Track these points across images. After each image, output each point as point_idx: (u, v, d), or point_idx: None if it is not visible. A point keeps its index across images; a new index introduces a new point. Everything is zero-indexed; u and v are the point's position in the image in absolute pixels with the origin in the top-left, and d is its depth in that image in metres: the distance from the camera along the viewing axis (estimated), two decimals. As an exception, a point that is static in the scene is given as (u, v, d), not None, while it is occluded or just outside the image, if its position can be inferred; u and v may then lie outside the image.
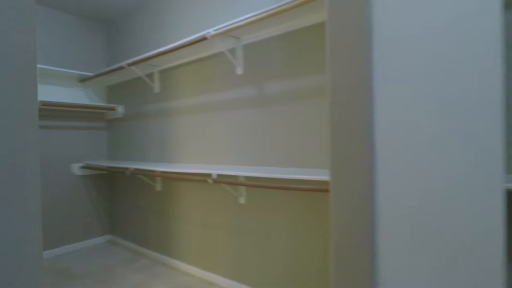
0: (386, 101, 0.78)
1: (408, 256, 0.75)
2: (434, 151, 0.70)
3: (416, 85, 0.73)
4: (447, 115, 0.69)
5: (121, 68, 2.34)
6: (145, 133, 2.60)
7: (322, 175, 1.23)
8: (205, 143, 2.10)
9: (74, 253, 2.66)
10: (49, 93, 2.62)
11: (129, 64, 2.26)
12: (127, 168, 2.30)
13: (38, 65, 2.45)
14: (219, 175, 1.76)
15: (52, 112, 2.64)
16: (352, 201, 0.85)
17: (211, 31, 1.72)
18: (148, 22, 2.55)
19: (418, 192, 0.73)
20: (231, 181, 1.67)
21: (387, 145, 0.78)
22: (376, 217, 0.80)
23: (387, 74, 0.77)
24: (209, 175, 1.78)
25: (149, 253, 2.54)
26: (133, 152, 2.73)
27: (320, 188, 1.22)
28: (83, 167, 2.77)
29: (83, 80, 2.76)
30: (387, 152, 0.78)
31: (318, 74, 1.53)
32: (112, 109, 2.82)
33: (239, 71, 1.87)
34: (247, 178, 1.78)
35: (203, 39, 1.77)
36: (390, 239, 0.77)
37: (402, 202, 0.75)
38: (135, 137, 2.70)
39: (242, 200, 1.87)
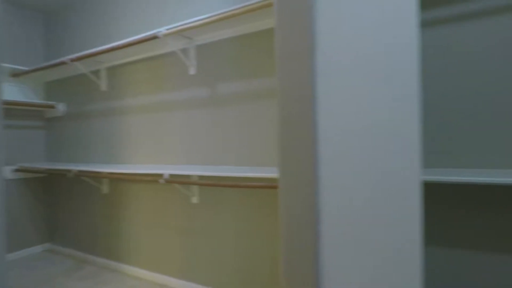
0: (327, 103, 0.87)
1: (349, 247, 0.83)
2: (366, 148, 0.80)
3: (349, 88, 0.82)
4: (376, 114, 0.79)
5: (63, 63, 2.18)
6: (91, 133, 2.45)
7: (272, 173, 1.30)
8: (157, 143, 2.07)
9: (8, 265, 2.41)
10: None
11: (73, 60, 2.13)
12: (69, 170, 2.16)
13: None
14: (171, 175, 1.75)
15: (-22, 109, 2.36)
16: (299, 196, 0.92)
17: (163, 30, 1.71)
18: (96, 15, 2.42)
19: (353, 186, 0.82)
20: (184, 181, 1.68)
21: (328, 143, 0.86)
22: (321, 211, 0.88)
23: (328, 78, 0.86)
24: (160, 175, 1.76)
25: (95, 259, 2.41)
26: (76, 154, 2.56)
27: (270, 185, 1.29)
28: (17, 170, 2.52)
29: (16, 74, 2.51)
30: (328, 150, 0.86)
31: (268, 77, 1.61)
32: (52, 106, 2.61)
33: (192, 71, 1.87)
34: (200, 177, 1.80)
35: (154, 37, 1.75)
36: (333, 231, 0.86)
37: (342, 196, 0.84)
38: (79, 137, 2.54)
39: (195, 200, 1.87)
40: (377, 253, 0.80)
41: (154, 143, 2.08)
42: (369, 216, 0.81)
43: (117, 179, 2.26)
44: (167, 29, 1.70)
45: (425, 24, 1.37)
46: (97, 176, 1.98)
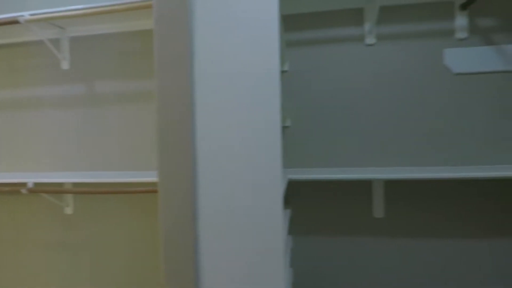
0: (203, 110, 0.91)
1: (225, 245, 0.89)
2: (239, 152, 0.88)
3: (224, 97, 0.88)
4: (246, 122, 0.87)
5: None
6: None
7: (154, 177, 1.28)
8: (19, 147, 1.75)
9: None
10: None
11: None
12: None
13: None
14: (37, 184, 1.51)
15: None
16: (178, 199, 0.93)
17: (26, 14, 1.46)
18: None
19: (229, 188, 0.88)
20: (54, 189, 1.47)
21: (206, 148, 0.90)
22: (199, 212, 0.91)
23: (205, 85, 0.90)
24: (23, 184, 1.50)
25: None
26: None
27: (151, 190, 1.26)
28: None
29: None
30: (206, 154, 0.90)
31: (149, 78, 1.57)
32: None
33: (65, 65, 1.66)
34: (75, 184, 1.61)
35: (14, 21, 1.48)
36: (210, 231, 0.90)
37: (218, 198, 0.89)
38: None
39: (69, 210, 1.67)
40: (250, 248, 0.88)
41: (15, 147, 1.75)
42: (242, 215, 0.88)
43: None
44: (32, 15, 1.46)
45: (290, 44, 1.58)
46: None
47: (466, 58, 1.46)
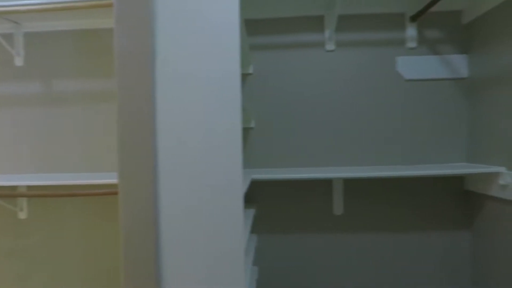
0: (165, 110, 0.91)
1: (185, 247, 0.90)
2: (200, 153, 0.89)
3: (185, 98, 0.90)
4: (207, 124, 0.89)
5: None
6: None
7: (114, 178, 1.25)
8: (-34, 148, 1.63)
9: None
10: None
11: None
12: None
13: None
14: (-14, 187, 1.42)
15: None
16: (138, 201, 0.92)
17: (-27, 7, 1.37)
18: None
19: (190, 188, 0.89)
20: (6, 193, 1.39)
21: (167, 148, 0.90)
22: (159, 214, 0.91)
23: (167, 86, 0.90)
24: (-31, 188, 1.40)
25: None
26: None
27: (111, 192, 1.23)
28: None
29: None
30: (166, 156, 0.90)
31: (110, 78, 1.53)
32: None
33: (19, 62, 1.58)
34: (29, 187, 1.53)
35: (-40, 14, 1.38)
36: (172, 231, 0.90)
37: (180, 198, 0.90)
38: None
39: (22, 215, 1.58)
40: (211, 247, 0.89)
41: (-39, 148, 1.63)
42: (203, 215, 0.89)
43: None
44: (-20, 7, 1.38)
45: (254, 48, 1.63)
46: None
47: (415, 65, 1.58)
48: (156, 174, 0.92)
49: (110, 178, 1.26)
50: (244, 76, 1.63)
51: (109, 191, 1.24)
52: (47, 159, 1.58)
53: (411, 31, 1.56)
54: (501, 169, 1.32)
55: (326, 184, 1.61)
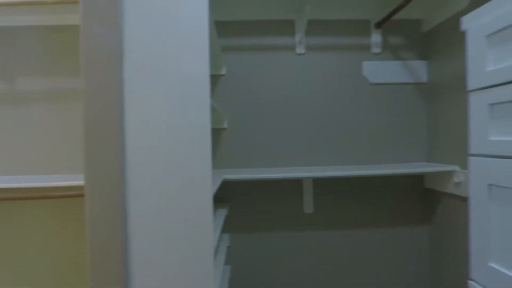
0: (133, 110, 0.90)
1: (154, 247, 0.89)
2: (169, 152, 0.89)
3: (155, 97, 0.89)
4: (177, 124, 0.89)
5: None
6: None
7: (80, 180, 1.21)
8: None
9: None
10: None
11: None
12: None
13: None
14: None
15: None
16: (105, 202, 0.91)
17: None
18: None
19: (159, 188, 0.89)
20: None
21: (134, 149, 0.89)
22: (128, 215, 0.90)
23: (134, 85, 0.90)
24: None
25: None
26: None
27: (77, 194, 1.20)
28: None
29: None
30: (134, 156, 0.90)
31: (78, 76, 1.49)
32: None
33: (-24, 58, 1.49)
34: (-12, 191, 1.44)
35: None
36: (139, 233, 0.89)
37: (148, 198, 0.89)
38: None
39: (-20, 220, 1.48)
40: (180, 247, 0.90)
41: None
42: (172, 215, 0.89)
43: None
44: None
45: (227, 50, 1.65)
46: None
47: (380, 70, 1.66)
48: (124, 174, 0.91)
49: (76, 180, 1.22)
50: (217, 77, 1.64)
51: (75, 193, 1.20)
52: (9, 160, 1.50)
53: (376, 37, 1.64)
54: (455, 168, 1.42)
55: (297, 183, 1.66)
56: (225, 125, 1.63)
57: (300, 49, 1.64)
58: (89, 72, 0.92)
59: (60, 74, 1.50)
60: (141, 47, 0.90)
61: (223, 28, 1.63)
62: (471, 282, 0.92)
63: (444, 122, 1.54)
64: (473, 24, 0.91)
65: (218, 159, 1.64)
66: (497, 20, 0.82)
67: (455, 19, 1.44)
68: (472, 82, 0.91)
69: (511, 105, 0.79)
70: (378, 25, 1.61)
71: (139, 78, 0.90)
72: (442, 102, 1.56)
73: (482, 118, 0.88)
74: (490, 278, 0.85)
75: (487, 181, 0.85)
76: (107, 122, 0.90)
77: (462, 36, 1.38)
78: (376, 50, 1.65)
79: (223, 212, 1.41)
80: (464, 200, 1.39)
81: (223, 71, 1.63)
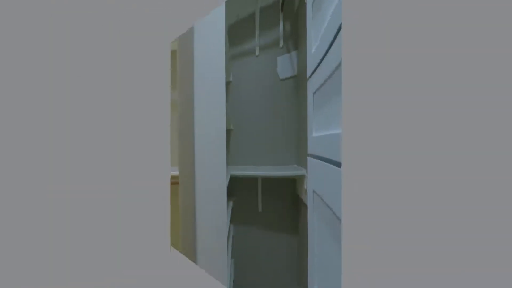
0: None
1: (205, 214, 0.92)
2: (212, 155, 0.92)
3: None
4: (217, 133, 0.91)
5: None
6: None
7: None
8: None
9: None
10: None
11: None
12: None
13: None
14: None
15: None
16: (190, 188, 0.94)
17: None
18: None
19: (206, 179, 0.93)
20: None
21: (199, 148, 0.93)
22: (195, 199, 0.93)
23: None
24: None
25: None
26: None
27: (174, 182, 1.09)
28: None
29: None
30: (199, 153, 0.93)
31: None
32: None
33: None
34: None
35: None
36: (201, 208, 0.93)
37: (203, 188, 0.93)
38: None
39: None
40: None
41: None
42: (212, 195, 0.92)
43: None
44: None
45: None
46: None
47: (283, 65, 1.50)
48: (194, 168, 0.93)
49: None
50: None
51: (174, 181, 1.07)
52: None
53: (280, 29, 1.48)
54: (304, 171, 1.13)
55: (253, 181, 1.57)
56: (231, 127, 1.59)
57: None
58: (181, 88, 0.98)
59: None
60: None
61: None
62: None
63: (305, 119, 1.14)
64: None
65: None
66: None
67: (303, 7, 1.21)
68: (309, 66, 0.75)
69: (322, 92, 0.62)
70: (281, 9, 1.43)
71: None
72: (302, 96, 1.24)
73: (310, 109, 0.72)
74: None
75: (312, 186, 0.70)
76: (188, 126, 0.94)
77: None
78: (281, 43, 1.49)
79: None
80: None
81: (230, 78, 1.58)
